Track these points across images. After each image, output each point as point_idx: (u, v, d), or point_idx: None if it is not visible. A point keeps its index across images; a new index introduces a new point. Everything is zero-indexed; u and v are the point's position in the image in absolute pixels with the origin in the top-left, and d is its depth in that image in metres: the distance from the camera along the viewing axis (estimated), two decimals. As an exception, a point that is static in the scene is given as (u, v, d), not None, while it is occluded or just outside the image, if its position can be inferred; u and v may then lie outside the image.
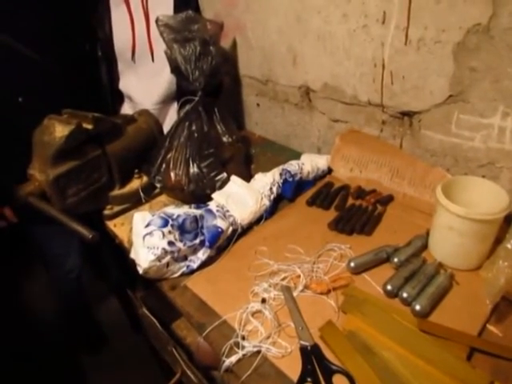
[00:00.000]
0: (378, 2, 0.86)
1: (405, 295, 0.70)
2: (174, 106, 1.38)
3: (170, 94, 1.35)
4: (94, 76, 1.33)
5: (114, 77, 1.35)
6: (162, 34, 1.05)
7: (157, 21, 1.03)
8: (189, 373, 0.93)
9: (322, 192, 1.03)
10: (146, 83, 1.33)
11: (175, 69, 1.06)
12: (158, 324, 0.94)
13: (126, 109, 1.41)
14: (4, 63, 1.11)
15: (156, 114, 1.26)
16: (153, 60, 1.29)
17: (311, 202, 1.00)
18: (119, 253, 1.10)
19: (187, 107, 1.07)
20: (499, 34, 0.72)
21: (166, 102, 1.36)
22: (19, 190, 0.82)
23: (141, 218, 0.80)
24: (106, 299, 2.09)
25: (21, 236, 1.64)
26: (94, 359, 1.84)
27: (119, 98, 1.41)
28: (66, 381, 1.76)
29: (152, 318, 0.97)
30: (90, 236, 0.75)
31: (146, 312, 1.01)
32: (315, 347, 0.63)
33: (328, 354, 0.63)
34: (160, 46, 1.22)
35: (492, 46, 0.74)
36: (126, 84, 1.36)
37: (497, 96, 0.78)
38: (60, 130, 0.82)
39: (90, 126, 0.88)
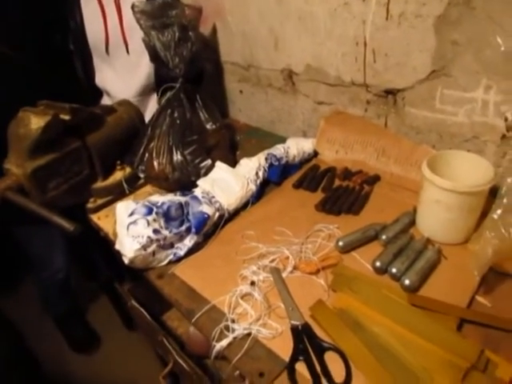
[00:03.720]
0: (357, -22, 0.85)
1: (394, 271, 0.69)
2: (154, 98, 1.34)
3: (148, 85, 1.32)
4: (70, 71, 1.29)
5: (91, 71, 1.32)
6: (138, 20, 1.02)
7: (132, 7, 1.00)
8: (181, 362, 0.92)
9: (309, 175, 1.03)
10: (122, 76, 1.29)
11: (154, 56, 1.04)
12: (147, 315, 0.93)
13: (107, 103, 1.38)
14: None
15: None
16: (128, 52, 1.25)
17: (298, 185, 0.99)
18: (106, 248, 1.09)
19: (168, 94, 1.05)
20: (480, 4, 0.71)
21: (144, 94, 1.32)
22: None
23: (124, 208, 0.78)
24: (96, 297, 2.06)
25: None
26: (86, 359, 1.82)
27: (98, 93, 1.37)
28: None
29: (141, 309, 0.95)
30: (72, 228, 0.73)
31: (135, 304, 0.99)
32: (306, 326, 0.62)
33: (319, 332, 0.62)
34: (134, 38, 1.20)
35: (473, 17, 0.73)
36: (102, 78, 1.32)
37: (479, 68, 0.77)
38: (36, 122, 0.79)
39: (67, 117, 0.86)
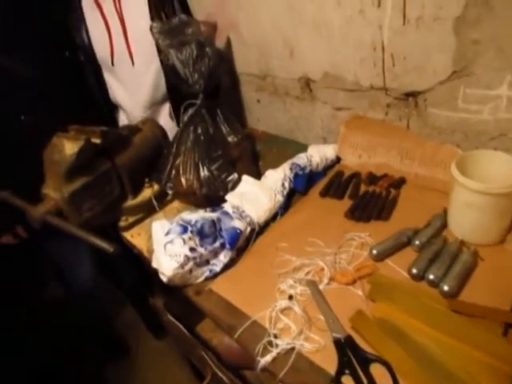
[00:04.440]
0: (372, -14, 0.86)
1: (431, 277, 0.69)
2: (165, 111, 1.37)
3: (157, 97, 1.33)
4: (83, 86, 1.32)
5: (105, 86, 1.34)
6: (157, 40, 1.04)
7: (151, 28, 1.02)
8: (220, 375, 0.93)
9: (334, 182, 1.03)
10: (129, 89, 1.31)
11: (174, 73, 1.06)
12: (185, 330, 0.95)
13: (122, 117, 1.41)
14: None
15: None
16: (133, 64, 1.27)
17: (324, 193, 1.00)
18: (133, 260, 1.11)
19: (190, 111, 1.07)
20: (499, 3, 0.71)
21: (154, 106, 1.34)
22: (35, 211, 0.82)
23: (160, 227, 0.80)
24: (122, 306, 2.11)
25: (31, 250, 1.66)
26: (116, 366, 1.86)
27: (113, 107, 1.40)
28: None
29: (178, 323, 0.97)
30: (112, 249, 0.75)
31: (172, 319, 1.02)
32: (348, 338, 0.63)
33: (362, 343, 0.63)
34: (139, 50, 1.23)
35: (493, 16, 0.73)
36: (113, 92, 1.34)
37: (503, 65, 0.77)
38: (70, 148, 0.82)
39: (98, 141, 0.89)
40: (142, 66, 1.26)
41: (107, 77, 1.31)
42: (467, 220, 0.76)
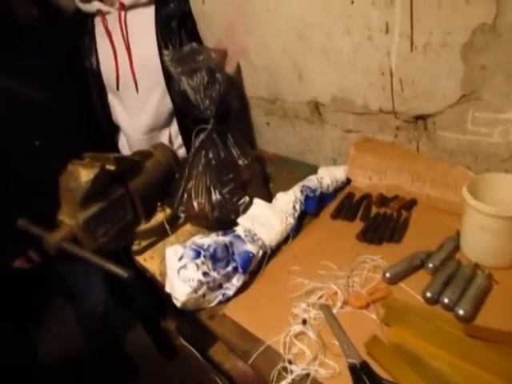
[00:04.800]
0: (379, 14, 0.88)
1: (446, 301, 0.69)
2: (165, 136, 1.40)
3: (157, 124, 1.37)
4: (90, 108, 1.36)
5: (107, 108, 1.38)
6: (169, 67, 1.08)
7: (163, 56, 1.05)
8: (234, 399, 0.93)
9: (345, 203, 1.04)
10: (132, 113, 1.35)
11: (185, 99, 1.09)
12: (198, 354, 0.95)
13: (122, 140, 1.44)
14: (14, 108, 1.15)
15: (145, 145, 1.29)
16: (137, 90, 1.31)
17: (335, 215, 1.00)
18: (146, 284, 1.12)
19: (201, 136, 1.09)
20: (506, 31, 0.73)
21: (154, 131, 1.37)
22: (52, 238, 0.84)
23: (173, 252, 0.81)
24: (133, 328, 2.10)
25: (41, 275, 1.67)
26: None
27: (116, 129, 1.43)
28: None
29: (191, 348, 0.97)
30: (127, 275, 0.76)
31: (185, 343, 1.01)
32: (364, 364, 0.63)
33: (377, 369, 0.62)
34: (143, 77, 1.27)
35: (500, 43, 0.74)
36: (116, 115, 1.39)
37: (511, 90, 0.78)
38: (85, 175, 0.84)
39: (112, 167, 0.91)
40: (146, 93, 1.30)
41: (111, 100, 1.36)
42: (480, 243, 0.76)
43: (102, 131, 1.41)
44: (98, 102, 1.35)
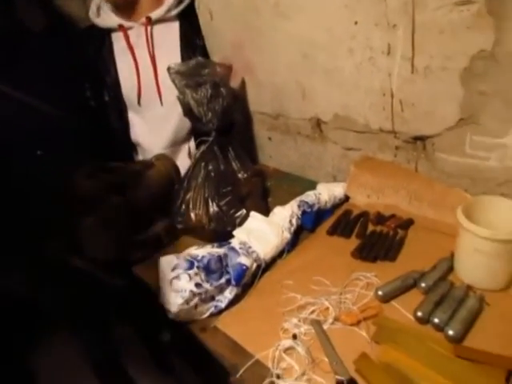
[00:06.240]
0: (382, 35, 0.89)
1: (436, 321, 0.69)
2: (185, 150, 1.41)
3: (179, 138, 1.38)
4: (106, 125, 1.37)
5: (126, 124, 1.40)
6: (173, 80, 1.09)
7: (168, 69, 1.07)
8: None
9: (342, 220, 1.04)
10: (153, 128, 1.36)
11: (189, 112, 1.10)
12: (191, 368, 0.94)
13: (139, 156, 1.45)
14: (17, 117, 1.16)
15: None
16: (161, 104, 1.33)
17: (332, 232, 1.01)
18: (143, 295, 1.11)
19: (202, 147, 1.10)
20: (505, 58, 0.74)
21: (174, 146, 1.39)
22: (49, 246, 0.84)
23: (167, 263, 0.81)
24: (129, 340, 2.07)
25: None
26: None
27: (133, 146, 1.45)
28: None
29: (184, 360, 0.96)
30: (120, 285, 0.76)
31: (177, 355, 1.01)
32: (352, 381, 0.62)
33: (365, 387, 0.62)
34: (168, 90, 1.28)
35: (499, 69, 0.76)
36: (135, 132, 1.40)
37: (508, 117, 0.79)
38: (86, 184, 0.85)
39: (112, 176, 0.92)
40: (170, 107, 1.31)
41: (131, 116, 1.38)
42: (473, 265, 0.76)
43: (120, 148, 1.42)
44: (116, 119, 1.37)
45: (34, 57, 1.21)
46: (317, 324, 0.73)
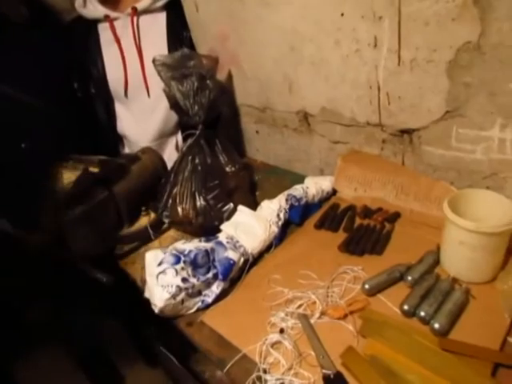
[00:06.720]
0: (368, 28, 0.89)
1: (422, 314, 0.69)
2: (172, 143, 1.40)
3: (166, 130, 1.37)
4: (92, 117, 1.35)
5: (113, 117, 1.38)
6: (159, 72, 1.07)
7: (153, 61, 1.06)
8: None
9: (329, 214, 1.04)
10: (141, 120, 1.35)
11: (175, 105, 1.09)
12: (176, 362, 0.93)
13: (126, 150, 1.43)
14: (1, 109, 1.13)
15: None
16: (149, 96, 1.31)
17: (319, 226, 1.01)
18: (128, 289, 1.11)
19: (189, 141, 1.09)
20: (490, 50, 0.74)
21: (162, 138, 1.37)
22: (32, 239, 0.83)
23: (153, 257, 0.80)
24: (116, 335, 2.06)
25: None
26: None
27: (119, 139, 1.43)
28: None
29: (170, 356, 0.96)
30: (105, 279, 0.75)
31: (164, 350, 1.00)
32: (338, 375, 0.63)
33: (351, 381, 0.62)
34: (155, 82, 1.25)
35: (484, 61, 0.76)
36: (121, 125, 1.38)
37: (493, 109, 0.79)
38: (67, 177, 0.84)
39: (96, 170, 0.90)
40: (157, 99, 1.29)
41: (118, 108, 1.36)
42: (459, 258, 0.77)
43: (106, 140, 1.40)
44: (103, 111, 1.35)
45: (17, 48, 1.18)
46: (304, 318, 0.73)
